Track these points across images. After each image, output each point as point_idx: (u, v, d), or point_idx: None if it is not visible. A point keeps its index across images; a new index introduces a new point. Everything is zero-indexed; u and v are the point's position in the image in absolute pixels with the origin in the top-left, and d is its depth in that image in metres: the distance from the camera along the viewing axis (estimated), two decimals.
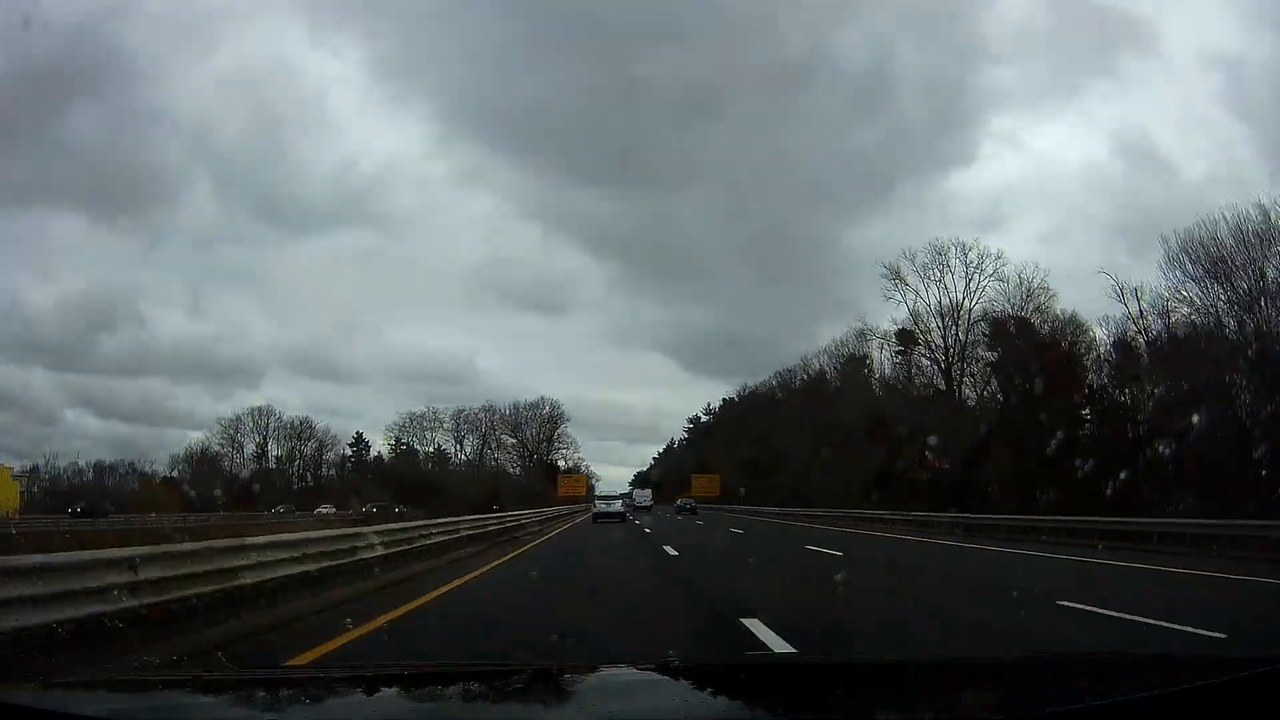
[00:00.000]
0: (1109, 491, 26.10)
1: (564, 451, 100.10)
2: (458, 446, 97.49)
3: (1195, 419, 27.47)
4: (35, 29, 65.66)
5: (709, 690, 2.48)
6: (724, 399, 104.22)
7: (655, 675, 2.58)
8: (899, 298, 54.38)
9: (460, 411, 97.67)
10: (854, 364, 62.76)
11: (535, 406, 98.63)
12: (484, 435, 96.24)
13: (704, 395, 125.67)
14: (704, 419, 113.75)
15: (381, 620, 8.22)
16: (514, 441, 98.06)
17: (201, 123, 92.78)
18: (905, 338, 56.43)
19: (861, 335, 60.68)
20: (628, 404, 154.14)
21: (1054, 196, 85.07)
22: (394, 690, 2.39)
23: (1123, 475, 27.35)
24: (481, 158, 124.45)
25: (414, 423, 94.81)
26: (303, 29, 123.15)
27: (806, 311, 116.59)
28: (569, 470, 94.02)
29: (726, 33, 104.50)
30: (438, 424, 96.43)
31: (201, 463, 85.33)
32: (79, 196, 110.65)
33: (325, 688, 2.45)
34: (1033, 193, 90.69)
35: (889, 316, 56.55)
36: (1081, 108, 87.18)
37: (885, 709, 2.17)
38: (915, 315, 53.83)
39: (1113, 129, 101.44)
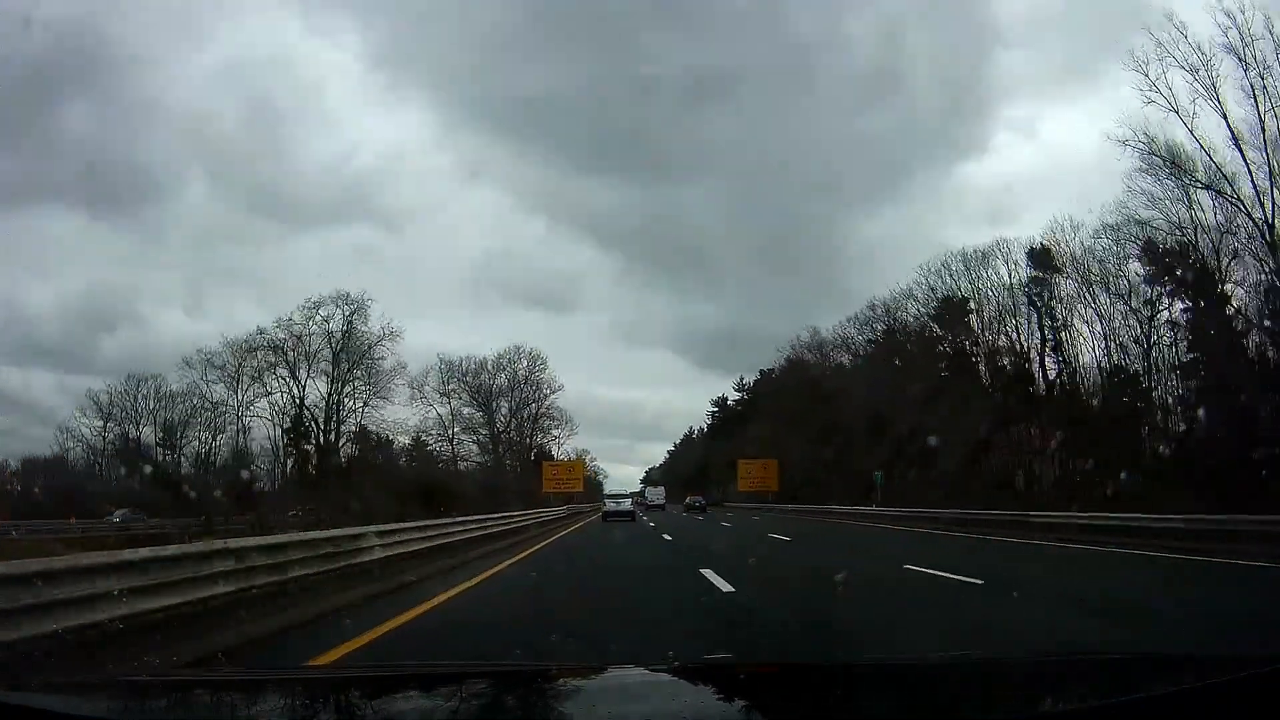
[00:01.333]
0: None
1: (555, 434, 74.73)
2: (325, 394, 57.71)
3: None
4: (35, 28, 64.96)
5: (713, 691, 2.49)
6: (762, 370, 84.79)
7: (663, 676, 2.60)
8: (1163, 100, 29.99)
9: (321, 301, 56.22)
10: (953, 308, 46.62)
11: (507, 360, 68.82)
12: (369, 375, 57.39)
13: (712, 392, 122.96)
14: (733, 399, 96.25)
15: None
16: (481, 417, 68.60)
17: (197, 117, 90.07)
18: (1042, 260, 39.69)
19: (999, 245, 43.59)
20: (635, 402, 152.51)
21: (1065, 185, 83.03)
22: (404, 691, 2.41)
23: None
24: (483, 149, 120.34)
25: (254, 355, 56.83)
26: (297, 15, 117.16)
27: (817, 307, 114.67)
28: (567, 460, 71.63)
29: (734, 15, 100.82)
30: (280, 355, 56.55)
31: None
32: (73, 194, 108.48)
33: (331, 688, 2.47)
34: (1048, 180, 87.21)
35: (1141, 131, 31.58)
36: (1095, 93, 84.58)
37: (888, 709, 2.18)
38: (1201, 144, 29.75)
39: (1124, 116, 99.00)
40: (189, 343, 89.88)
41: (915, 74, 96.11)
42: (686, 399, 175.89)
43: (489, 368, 69.21)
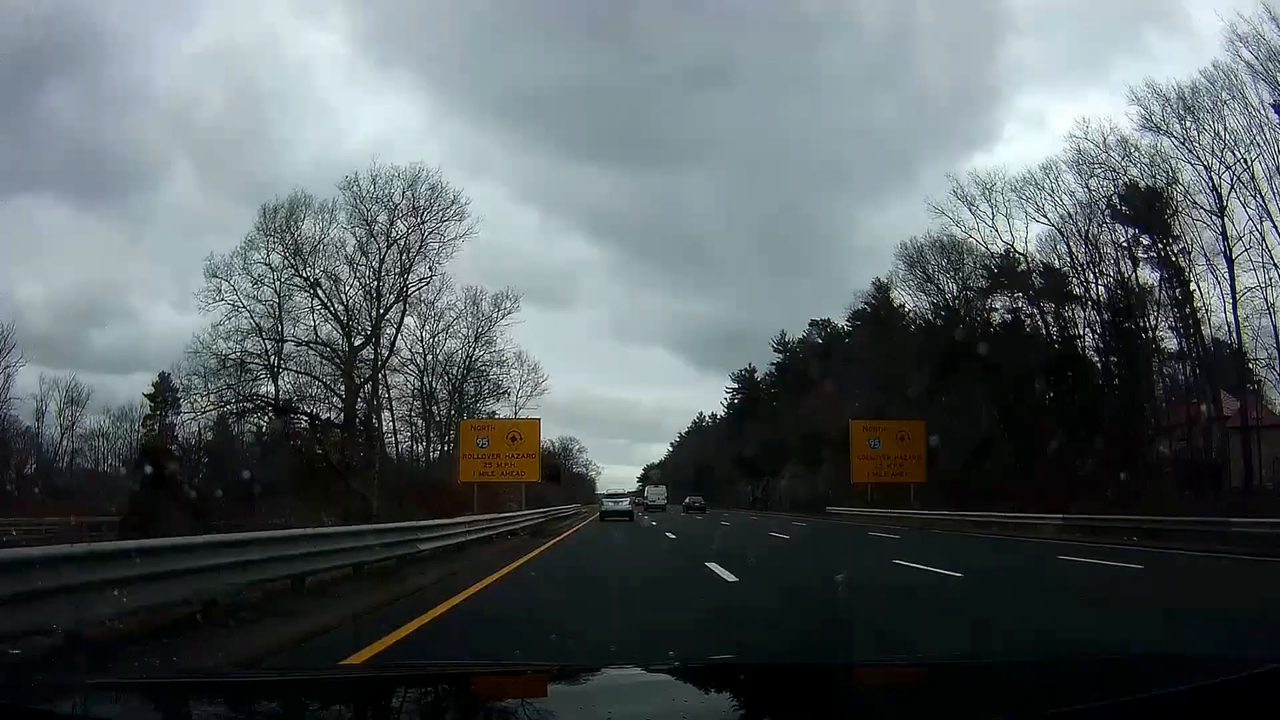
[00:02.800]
0: None
1: (503, 384, 45.97)
2: None
3: None
4: (17, 12, 63.23)
5: (714, 691, 2.49)
6: (814, 321, 65.91)
7: (664, 677, 2.60)
8: None
9: None
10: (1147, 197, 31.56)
11: (380, 198, 38.32)
12: None
13: (711, 392, 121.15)
14: (770, 366, 75.27)
15: None
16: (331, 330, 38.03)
17: (183, 102, 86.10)
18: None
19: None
20: (631, 401, 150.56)
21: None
22: (403, 691, 2.40)
23: None
24: (475, 136, 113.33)
25: None
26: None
27: (821, 304, 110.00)
28: (509, 419, 41.84)
29: None
30: None
31: None
32: (61, 183, 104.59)
33: (321, 689, 2.46)
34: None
35: None
36: (1104, 84, 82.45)
37: (888, 709, 2.20)
38: None
39: (1136, 109, 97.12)
40: (177, 337, 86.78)
41: (925, 58, 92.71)
42: (684, 399, 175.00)
43: (325, 210, 36.05)
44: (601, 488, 77.42)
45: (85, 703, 2.04)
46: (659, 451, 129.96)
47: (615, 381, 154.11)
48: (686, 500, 68.96)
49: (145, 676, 3.41)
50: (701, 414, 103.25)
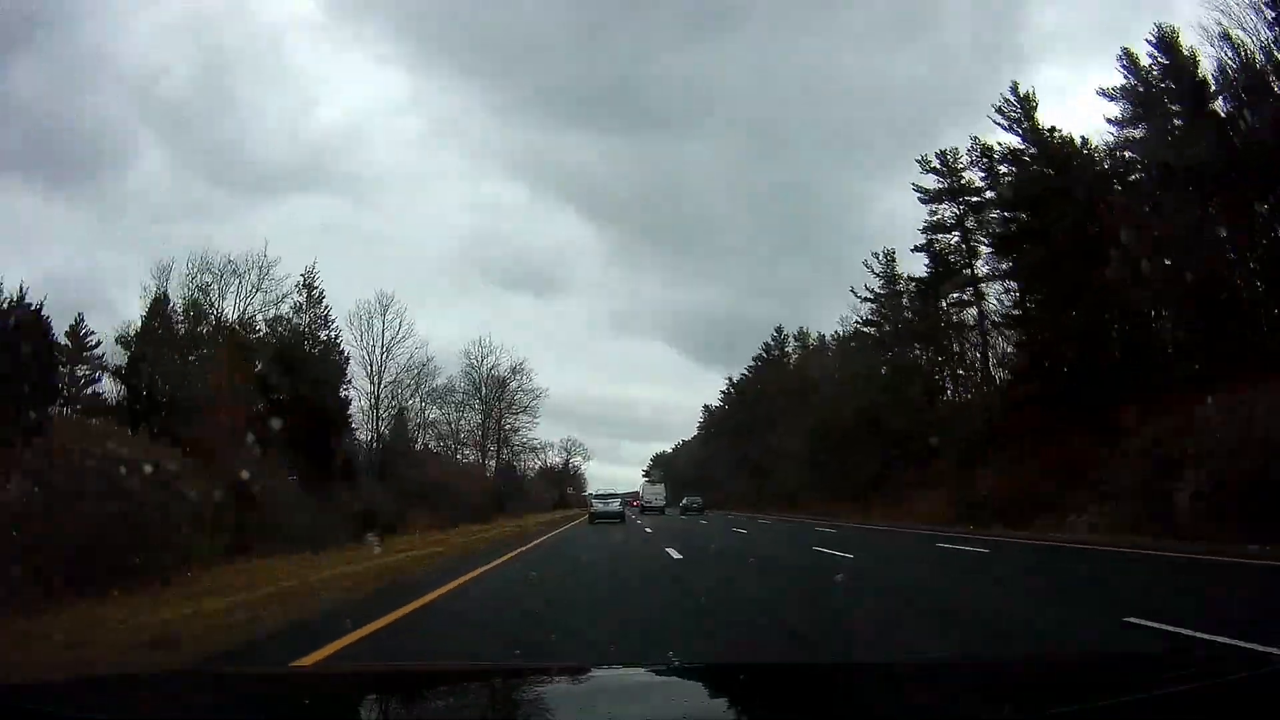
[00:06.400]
0: None
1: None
2: None
3: None
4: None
5: (711, 691, 2.49)
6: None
7: (664, 677, 2.61)
8: None
9: None
10: None
11: None
12: None
13: (712, 389, 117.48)
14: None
15: None
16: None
17: (149, 76, 78.95)
18: None
19: None
20: (628, 399, 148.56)
21: None
22: (403, 690, 2.41)
23: None
24: (459, 105, 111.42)
25: None
26: None
27: (832, 291, 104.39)
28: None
29: None
30: None
31: None
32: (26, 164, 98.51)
33: (326, 687, 2.46)
34: None
35: None
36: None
37: (886, 709, 2.19)
38: None
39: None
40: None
41: (948, 14, 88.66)
42: (684, 396, 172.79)
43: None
44: (592, 487, 77.10)
45: (75, 700, 2.04)
46: (652, 452, 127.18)
47: (610, 378, 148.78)
48: (684, 501, 66.61)
49: (137, 673, 3.40)
50: (748, 366, 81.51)
